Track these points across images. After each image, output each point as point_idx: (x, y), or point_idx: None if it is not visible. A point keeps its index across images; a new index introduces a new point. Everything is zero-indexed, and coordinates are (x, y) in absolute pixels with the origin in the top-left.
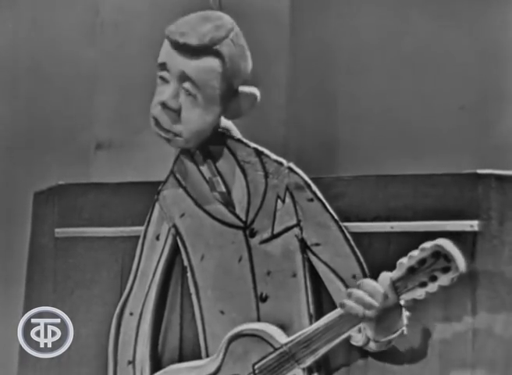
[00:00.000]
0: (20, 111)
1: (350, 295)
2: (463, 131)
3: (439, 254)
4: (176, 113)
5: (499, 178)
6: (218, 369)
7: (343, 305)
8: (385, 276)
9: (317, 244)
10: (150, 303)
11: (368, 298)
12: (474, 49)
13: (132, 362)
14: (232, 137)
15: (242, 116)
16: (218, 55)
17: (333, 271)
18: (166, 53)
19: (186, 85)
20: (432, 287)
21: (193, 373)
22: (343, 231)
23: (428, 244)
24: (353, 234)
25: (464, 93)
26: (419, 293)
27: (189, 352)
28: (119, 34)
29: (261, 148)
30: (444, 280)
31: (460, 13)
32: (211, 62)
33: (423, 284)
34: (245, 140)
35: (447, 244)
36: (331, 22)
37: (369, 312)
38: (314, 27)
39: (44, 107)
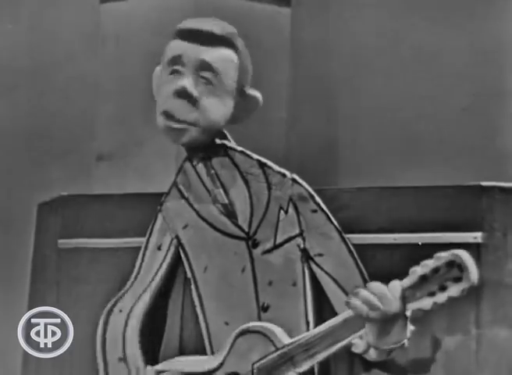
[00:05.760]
0: (22, 123)
1: (356, 294)
2: (465, 133)
3: (454, 263)
4: (192, 102)
5: (503, 190)
6: (221, 364)
7: (348, 304)
8: (396, 284)
9: (320, 255)
10: (141, 303)
11: (374, 299)
12: (475, 50)
13: (123, 359)
14: (235, 149)
15: (244, 119)
16: (234, 47)
17: (335, 281)
18: (179, 47)
19: (206, 74)
20: (441, 297)
21: (195, 366)
22: (346, 242)
23: (444, 253)
24: (356, 246)
25: (464, 94)
26: (426, 303)
27: None
28: (121, 46)
29: (264, 160)
30: (454, 290)
31: (460, 14)
32: (229, 53)
33: (431, 294)
34: (248, 151)
35: (463, 255)
36: (331, 24)
37: (373, 314)
38: (314, 30)
39: (46, 118)
